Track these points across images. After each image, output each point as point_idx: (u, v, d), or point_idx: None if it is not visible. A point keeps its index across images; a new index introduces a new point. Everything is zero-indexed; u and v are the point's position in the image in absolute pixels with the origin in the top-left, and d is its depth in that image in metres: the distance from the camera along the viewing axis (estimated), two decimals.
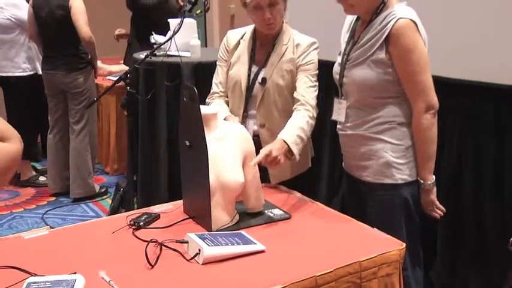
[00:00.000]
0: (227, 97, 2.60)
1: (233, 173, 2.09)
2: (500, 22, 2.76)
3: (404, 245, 1.96)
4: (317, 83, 2.47)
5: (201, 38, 5.75)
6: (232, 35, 2.61)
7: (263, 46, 2.53)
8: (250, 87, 2.49)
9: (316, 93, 2.46)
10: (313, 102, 2.41)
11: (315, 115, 2.42)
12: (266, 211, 2.21)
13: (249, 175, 2.15)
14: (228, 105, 2.57)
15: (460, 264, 3.09)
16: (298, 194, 2.42)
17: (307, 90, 2.41)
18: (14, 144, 1.02)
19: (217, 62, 2.65)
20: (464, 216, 3.03)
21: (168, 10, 4.75)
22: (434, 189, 2.31)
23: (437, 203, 2.34)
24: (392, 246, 1.93)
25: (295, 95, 2.43)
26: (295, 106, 2.41)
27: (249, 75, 2.49)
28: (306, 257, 1.87)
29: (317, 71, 2.49)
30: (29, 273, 1.74)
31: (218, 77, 2.62)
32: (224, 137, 2.14)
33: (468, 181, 3.00)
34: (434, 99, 2.22)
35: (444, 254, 3.17)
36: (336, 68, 2.39)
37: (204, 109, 2.06)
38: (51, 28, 4.37)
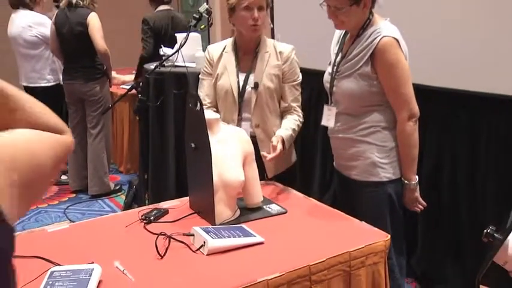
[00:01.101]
0: (215, 107, 2.56)
1: (234, 172, 2.07)
2: (472, 36, 2.76)
3: (389, 236, 1.95)
4: (300, 90, 2.55)
5: (204, 50, 5.74)
6: (214, 49, 2.56)
7: (246, 55, 2.51)
8: (241, 93, 2.47)
9: (300, 99, 2.55)
10: (300, 108, 2.54)
11: (302, 120, 2.53)
12: (264, 206, 2.19)
13: (248, 174, 2.13)
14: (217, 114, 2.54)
15: (438, 253, 3.10)
16: (294, 191, 2.41)
17: (295, 100, 2.51)
18: (69, 137, 1.00)
19: (200, 76, 2.60)
20: (442, 210, 3.04)
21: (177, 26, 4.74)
22: (418, 187, 2.31)
23: (421, 199, 2.34)
24: (378, 238, 1.92)
25: (284, 103, 2.50)
26: (286, 111, 2.50)
27: (238, 82, 2.47)
28: (300, 248, 1.86)
29: (300, 79, 2.54)
30: (52, 262, 1.73)
31: (204, 90, 2.55)
32: (226, 139, 2.13)
33: (445, 179, 3.01)
34: (415, 108, 2.22)
35: (424, 244, 3.17)
36: (327, 78, 2.38)
37: (207, 114, 2.06)
38: (71, 43, 4.38)
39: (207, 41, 6.47)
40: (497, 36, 2.66)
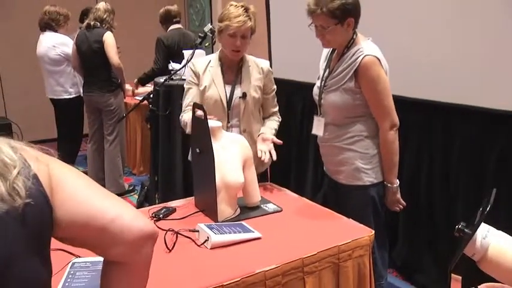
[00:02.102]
0: None
1: (235, 174, 2.06)
2: (444, 56, 2.77)
3: (373, 232, 1.94)
4: (276, 98, 2.62)
5: None
6: (198, 63, 2.50)
7: (230, 69, 2.48)
8: (229, 102, 2.44)
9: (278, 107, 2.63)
10: (278, 114, 2.62)
11: (280, 119, 2.62)
12: (262, 205, 2.18)
13: (248, 176, 2.12)
14: None
15: (416, 246, 3.10)
16: (288, 191, 2.40)
17: (275, 106, 2.60)
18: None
19: (185, 85, 2.54)
20: (420, 209, 3.04)
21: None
22: (399, 189, 2.30)
23: (401, 200, 2.33)
24: (363, 233, 1.92)
25: (268, 110, 2.58)
26: (270, 115, 2.58)
27: (225, 92, 2.44)
28: (294, 242, 1.85)
29: (275, 87, 2.59)
30: (73, 254, 1.72)
31: (190, 97, 2.49)
32: (227, 145, 2.12)
33: (422, 181, 3.01)
34: (396, 118, 2.21)
35: (404, 238, 3.17)
36: (315, 91, 2.38)
37: (211, 123, 2.05)
38: (90, 59, 4.40)
39: None
40: (465, 53, 2.67)
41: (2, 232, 0.80)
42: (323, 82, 2.29)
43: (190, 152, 2.41)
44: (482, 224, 1.14)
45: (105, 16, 4.40)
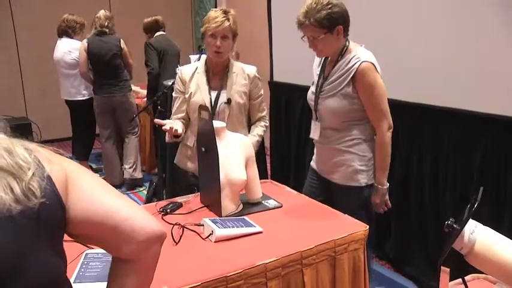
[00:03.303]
0: (184, 119, 2.46)
1: (238, 172, 2.06)
2: (435, 61, 2.76)
3: (367, 227, 1.93)
4: (264, 103, 2.57)
5: None
6: (186, 70, 2.44)
7: (216, 75, 2.43)
8: (214, 108, 2.39)
9: (265, 107, 2.59)
10: (266, 118, 2.58)
11: (268, 123, 2.59)
12: (263, 201, 2.18)
13: (250, 174, 2.11)
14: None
15: (407, 240, 3.10)
16: (288, 188, 2.39)
17: (262, 110, 2.55)
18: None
19: (174, 94, 2.47)
20: (410, 205, 3.04)
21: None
22: (388, 191, 2.28)
23: (389, 202, 2.31)
24: (359, 228, 1.91)
25: (256, 115, 2.53)
26: (258, 120, 2.54)
27: (210, 98, 2.39)
28: (293, 237, 1.85)
29: (262, 92, 2.54)
30: (87, 246, 1.69)
31: (177, 106, 2.45)
32: (231, 144, 2.11)
33: (413, 179, 3.01)
34: (391, 120, 2.20)
35: (396, 233, 3.17)
36: (311, 96, 2.34)
37: (215, 124, 2.04)
38: (110, 62, 4.45)
39: None
40: (453, 60, 2.66)
41: (17, 231, 0.80)
42: (318, 88, 2.27)
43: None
44: (470, 220, 1.14)
45: (106, 23, 4.45)
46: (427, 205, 2.94)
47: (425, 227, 2.96)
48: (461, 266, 1.18)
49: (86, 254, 1.68)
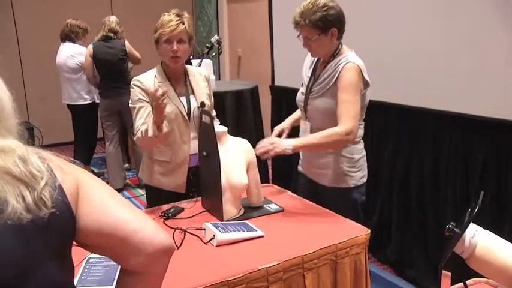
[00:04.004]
0: None
1: (239, 176, 2.06)
2: (438, 63, 2.77)
3: (369, 231, 1.92)
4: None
5: (215, 73, 5.77)
6: (145, 80, 2.24)
7: (177, 81, 2.31)
8: (189, 114, 2.29)
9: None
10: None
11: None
12: (265, 205, 2.18)
13: (251, 178, 2.12)
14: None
15: (408, 244, 3.09)
16: (289, 192, 2.38)
17: (213, 113, 2.45)
18: None
19: (136, 105, 2.21)
20: (411, 209, 3.04)
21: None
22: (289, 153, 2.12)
23: (270, 154, 2.07)
24: (360, 232, 1.91)
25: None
26: None
27: (183, 104, 2.29)
28: (295, 241, 1.84)
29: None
30: (89, 250, 1.72)
31: (143, 117, 2.18)
32: (232, 149, 2.11)
33: (414, 184, 3.01)
34: (354, 129, 2.07)
35: (397, 237, 3.17)
36: (300, 97, 2.33)
37: (217, 128, 2.04)
38: (116, 66, 4.50)
39: (217, 66, 6.50)
40: (454, 65, 2.67)
41: (25, 240, 0.81)
42: (308, 89, 2.26)
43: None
44: (471, 224, 1.14)
45: (117, 28, 4.54)
46: (428, 208, 2.93)
47: (426, 231, 2.96)
48: (463, 270, 1.19)
49: (88, 258, 1.68)
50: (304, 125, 2.32)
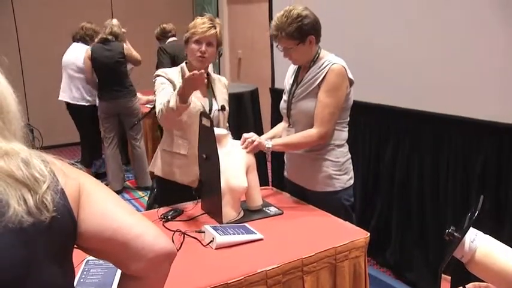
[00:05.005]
0: None
1: (239, 179, 2.06)
2: (439, 67, 2.77)
3: (368, 234, 1.92)
4: None
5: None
6: (170, 72, 2.33)
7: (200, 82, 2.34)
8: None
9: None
10: None
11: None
12: (264, 208, 2.18)
13: (251, 181, 2.12)
14: None
15: (408, 247, 3.09)
16: (288, 195, 2.38)
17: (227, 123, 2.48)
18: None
19: (161, 84, 2.28)
20: (411, 213, 3.04)
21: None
22: (269, 151, 2.21)
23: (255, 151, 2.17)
24: (359, 235, 1.90)
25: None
26: None
27: (203, 105, 2.32)
28: (294, 244, 1.84)
29: None
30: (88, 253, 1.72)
31: (167, 95, 2.17)
32: (232, 152, 2.12)
33: (414, 187, 3.01)
34: (328, 133, 2.14)
35: (396, 240, 3.17)
36: (283, 105, 2.34)
37: (217, 131, 2.04)
38: (114, 68, 4.51)
39: (217, 68, 6.51)
40: (455, 69, 2.67)
41: (26, 243, 0.81)
42: (291, 94, 2.26)
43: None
44: (471, 228, 1.14)
45: (119, 31, 4.57)
46: (427, 211, 2.93)
47: (426, 234, 2.96)
48: (463, 274, 1.19)
49: (87, 260, 1.68)
50: (287, 132, 2.31)
